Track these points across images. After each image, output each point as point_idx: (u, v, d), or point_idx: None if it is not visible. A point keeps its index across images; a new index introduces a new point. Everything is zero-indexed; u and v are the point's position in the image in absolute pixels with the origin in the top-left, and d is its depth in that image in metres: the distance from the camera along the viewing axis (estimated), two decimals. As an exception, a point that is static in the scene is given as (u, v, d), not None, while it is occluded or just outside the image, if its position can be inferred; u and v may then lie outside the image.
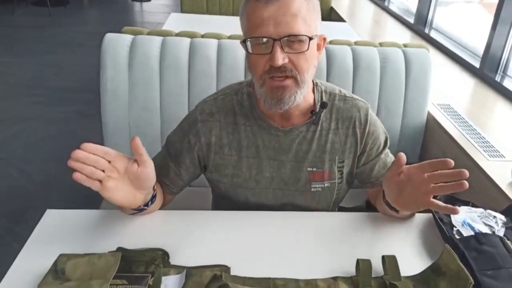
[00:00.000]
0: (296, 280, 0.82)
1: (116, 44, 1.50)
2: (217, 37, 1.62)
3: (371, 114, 1.06)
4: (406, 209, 0.94)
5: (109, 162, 0.81)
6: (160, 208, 1.03)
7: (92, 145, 0.80)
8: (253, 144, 1.03)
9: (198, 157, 1.05)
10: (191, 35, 1.62)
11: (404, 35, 2.98)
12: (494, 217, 0.97)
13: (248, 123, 1.03)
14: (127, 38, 1.53)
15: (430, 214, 1.01)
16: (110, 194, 0.82)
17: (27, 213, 2.11)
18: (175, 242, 0.90)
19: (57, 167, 2.51)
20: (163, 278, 0.80)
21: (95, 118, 2.88)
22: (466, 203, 1.04)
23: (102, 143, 1.54)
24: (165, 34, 1.61)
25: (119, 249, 0.84)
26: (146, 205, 0.93)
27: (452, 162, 0.85)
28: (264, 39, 0.87)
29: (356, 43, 1.70)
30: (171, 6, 6.55)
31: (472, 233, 0.92)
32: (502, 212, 1.01)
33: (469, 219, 0.96)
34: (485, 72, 2.09)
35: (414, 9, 3.12)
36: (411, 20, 3.13)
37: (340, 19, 3.36)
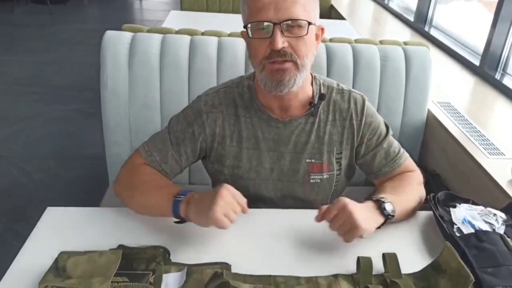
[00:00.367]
0: (297, 278, 0.82)
1: (116, 41, 1.50)
2: (217, 34, 1.62)
3: (368, 106, 1.08)
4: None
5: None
6: None
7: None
8: (253, 135, 1.05)
9: (200, 148, 1.06)
10: (191, 33, 1.62)
11: (404, 33, 2.98)
12: (494, 214, 0.97)
13: (248, 114, 1.05)
14: (127, 36, 1.53)
15: (431, 212, 1.01)
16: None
17: (27, 211, 2.11)
18: (176, 239, 0.90)
19: (57, 165, 2.51)
20: (164, 275, 0.80)
21: (95, 116, 2.88)
22: (466, 201, 1.04)
23: (102, 141, 1.54)
24: (165, 31, 1.60)
25: (120, 246, 0.84)
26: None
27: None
28: (265, 24, 0.89)
29: (356, 41, 1.70)
30: (170, 4, 6.54)
31: (473, 231, 0.92)
32: (502, 210, 1.01)
33: (469, 217, 0.96)
34: (485, 70, 2.08)
35: (414, 7, 3.11)
36: (411, 18, 3.13)
37: (340, 17, 3.35)
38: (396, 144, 1.11)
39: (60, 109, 3.19)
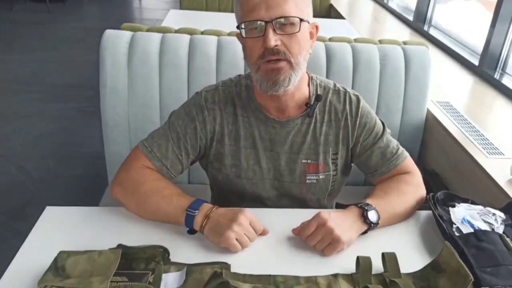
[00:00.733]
0: (296, 277, 0.82)
1: (116, 40, 1.50)
2: (217, 34, 1.62)
3: (363, 106, 1.08)
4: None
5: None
6: None
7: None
8: (250, 135, 1.05)
9: (199, 145, 1.05)
10: (191, 32, 1.61)
11: (403, 33, 2.98)
12: (494, 214, 0.98)
13: (246, 114, 1.05)
14: (126, 35, 1.52)
15: (430, 211, 1.01)
16: None
17: (26, 209, 2.11)
18: (176, 239, 0.90)
19: (56, 164, 2.51)
20: (164, 275, 0.80)
21: (94, 114, 2.88)
22: (465, 200, 1.04)
23: (101, 140, 1.54)
24: (164, 30, 1.60)
25: (119, 246, 0.84)
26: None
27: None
28: (257, 23, 0.90)
29: (355, 40, 1.70)
30: (170, 3, 6.54)
31: (472, 230, 0.92)
32: (501, 209, 1.01)
33: (468, 216, 0.96)
34: (484, 69, 2.08)
35: (413, 6, 3.11)
36: (410, 17, 3.13)
37: (339, 16, 3.35)
38: (394, 144, 1.10)
39: (59, 107, 3.18)
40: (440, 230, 0.96)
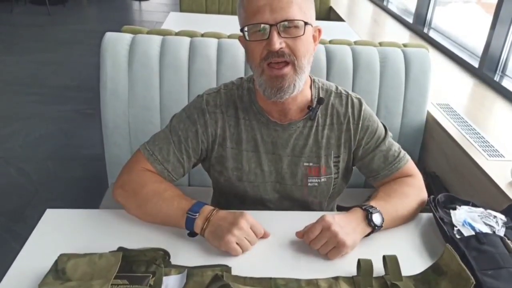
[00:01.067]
0: (297, 280, 0.82)
1: (116, 43, 1.50)
2: (217, 36, 1.62)
3: (365, 110, 1.08)
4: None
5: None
6: None
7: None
8: (252, 138, 1.05)
9: (201, 148, 1.05)
10: (191, 34, 1.62)
11: (403, 35, 2.98)
12: (495, 216, 0.98)
13: (248, 117, 1.05)
14: (126, 37, 1.52)
15: (431, 214, 1.01)
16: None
17: (26, 211, 2.11)
18: (176, 241, 0.90)
19: (56, 166, 2.51)
20: (164, 278, 0.80)
21: (93, 117, 2.89)
22: (466, 203, 1.04)
23: (101, 142, 1.54)
24: (164, 33, 1.60)
25: (120, 248, 0.84)
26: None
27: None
28: (261, 26, 0.90)
29: (355, 42, 1.70)
30: (170, 5, 6.55)
31: (473, 233, 0.92)
32: (502, 212, 1.01)
33: (469, 219, 0.96)
34: (484, 72, 2.09)
35: (412, 8, 3.12)
36: (410, 20, 3.13)
37: (339, 18, 3.35)
38: (395, 147, 1.10)
39: (59, 109, 3.18)
40: (441, 233, 0.96)
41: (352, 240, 0.88)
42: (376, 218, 0.93)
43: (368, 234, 0.94)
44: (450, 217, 0.98)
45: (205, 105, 1.04)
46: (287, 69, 0.93)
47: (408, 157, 1.11)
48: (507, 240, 0.90)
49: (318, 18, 0.99)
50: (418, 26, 2.98)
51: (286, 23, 0.89)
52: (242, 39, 0.97)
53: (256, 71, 0.96)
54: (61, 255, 0.81)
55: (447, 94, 1.88)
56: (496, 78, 2.03)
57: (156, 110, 1.52)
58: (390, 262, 0.84)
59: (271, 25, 0.89)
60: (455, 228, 0.94)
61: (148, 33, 1.59)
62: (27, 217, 2.07)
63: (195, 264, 0.84)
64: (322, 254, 0.88)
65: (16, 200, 2.20)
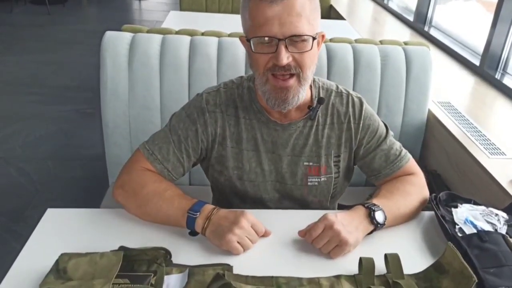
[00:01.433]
0: (299, 279, 0.81)
1: (116, 42, 1.49)
2: (217, 35, 1.62)
3: (366, 109, 1.08)
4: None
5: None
6: None
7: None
8: (252, 137, 1.05)
9: (201, 147, 1.05)
10: (191, 33, 1.61)
11: (403, 33, 2.98)
12: (496, 214, 0.97)
13: (248, 116, 1.04)
14: (126, 36, 1.52)
15: (432, 212, 1.01)
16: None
17: (26, 211, 2.10)
18: (178, 240, 0.90)
19: (56, 166, 2.51)
20: (166, 277, 0.79)
21: (94, 116, 2.89)
22: (468, 201, 1.04)
23: (101, 142, 1.54)
24: (165, 32, 1.60)
25: (121, 248, 0.84)
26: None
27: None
28: (267, 38, 0.88)
29: (356, 41, 1.69)
30: (170, 4, 6.54)
31: (475, 231, 0.92)
32: (504, 210, 1.01)
33: (471, 217, 0.96)
34: (485, 69, 2.08)
35: (413, 7, 3.11)
36: (411, 18, 3.13)
37: (339, 17, 3.35)
38: (397, 146, 1.10)
39: (59, 109, 3.18)
40: (442, 231, 0.95)
41: (354, 238, 0.88)
42: (379, 216, 0.92)
43: (370, 232, 0.93)
44: (452, 215, 0.97)
45: (205, 104, 1.04)
46: (292, 81, 0.92)
47: (409, 155, 1.10)
48: (509, 238, 0.90)
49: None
50: (418, 24, 2.98)
51: (294, 37, 0.88)
52: (244, 41, 0.96)
53: (259, 79, 0.95)
54: (62, 254, 0.80)
55: (448, 92, 1.88)
56: (498, 76, 2.03)
57: (157, 109, 1.52)
58: (392, 260, 0.83)
59: (279, 39, 0.87)
60: (456, 226, 0.94)
61: (148, 32, 1.59)
62: (27, 217, 2.06)
63: (197, 263, 0.84)
64: (324, 252, 0.88)
65: (17, 200, 2.20)
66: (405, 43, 1.70)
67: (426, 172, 1.42)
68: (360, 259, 0.83)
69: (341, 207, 1.21)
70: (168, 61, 1.50)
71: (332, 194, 1.11)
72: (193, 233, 0.91)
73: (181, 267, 0.82)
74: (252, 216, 0.90)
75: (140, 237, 0.90)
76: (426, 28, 2.91)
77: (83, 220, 0.96)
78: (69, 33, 4.97)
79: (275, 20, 0.86)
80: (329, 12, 3.64)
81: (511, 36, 2.03)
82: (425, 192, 1.06)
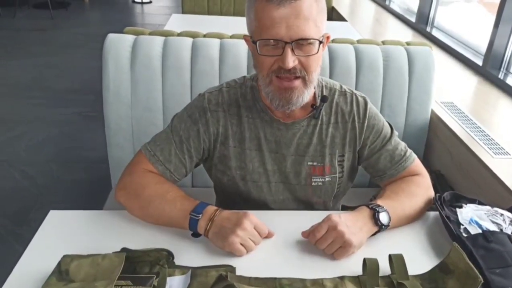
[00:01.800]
0: (303, 280, 0.81)
1: (118, 44, 1.49)
2: (219, 36, 1.61)
3: (370, 109, 1.07)
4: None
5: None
6: None
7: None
8: (256, 136, 1.04)
9: (203, 147, 1.04)
10: (193, 35, 1.61)
11: (405, 34, 2.97)
12: (501, 214, 0.96)
13: (251, 115, 1.04)
14: (129, 39, 1.52)
15: (437, 212, 1.00)
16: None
17: (29, 214, 2.11)
18: (180, 242, 0.90)
19: (59, 169, 2.51)
20: (168, 278, 0.79)
21: (96, 119, 2.89)
22: (472, 201, 1.03)
23: (104, 144, 1.53)
24: (167, 34, 1.60)
25: (123, 249, 0.83)
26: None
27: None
28: (274, 41, 0.87)
29: (358, 41, 1.69)
30: (172, 8, 6.56)
31: (480, 231, 0.91)
32: (509, 210, 1.00)
33: (476, 217, 0.95)
34: (488, 69, 2.08)
35: (415, 8, 3.11)
36: (412, 19, 3.12)
37: (341, 18, 3.35)
38: (402, 146, 1.09)
39: (62, 112, 3.19)
40: (447, 231, 0.94)
41: (358, 239, 0.87)
42: (383, 217, 0.92)
43: (375, 234, 0.93)
44: (456, 215, 0.96)
45: (207, 104, 1.03)
46: (297, 83, 0.92)
47: (414, 155, 1.09)
48: (514, 238, 0.89)
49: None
50: (420, 25, 2.97)
51: (301, 41, 0.87)
52: (248, 39, 0.95)
53: (263, 80, 0.94)
54: (64, 256, 0.80)
55: (451, 92, 1.87)
56: (501, 75, 2.02)
57: (159, 111, 1.52)
58: (396, 261, 0.83)
59: (286, 42, 0.87)
60: (461, 227, 0.93)
61: (150, 34, 1.59)
62: (31, 220, 2.07)
63: (199, 264, 0.83)
64: (328, 254, 0.87)
65: (20, 203, 2.20)
66: (408, 44, 1.69)
67: (429, 172, 1.41)
68: (364, 260, 0.83)
69: (345, 208, 1.20)
70: (170, 63, 1.50)
71: (336, 194, 1.11)
72: (196, 234, 0.91)
73: (183, 269, 0.82)
74: (255, 218, 0.90)
75: (143, 238, 0.90)
76: (428, 29, 2.91)
77: (85, 221, 0.96)
78: (71, 37, 4.99)
79: (283, 23, 0.86)
80: (331, 14, 3.64)
81: (514, 36, 2.03)
82: (430, 193, 1.05)
